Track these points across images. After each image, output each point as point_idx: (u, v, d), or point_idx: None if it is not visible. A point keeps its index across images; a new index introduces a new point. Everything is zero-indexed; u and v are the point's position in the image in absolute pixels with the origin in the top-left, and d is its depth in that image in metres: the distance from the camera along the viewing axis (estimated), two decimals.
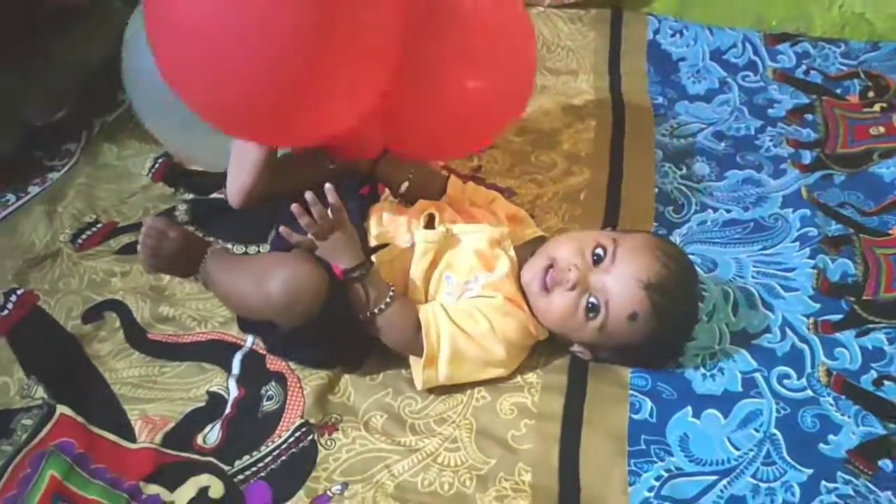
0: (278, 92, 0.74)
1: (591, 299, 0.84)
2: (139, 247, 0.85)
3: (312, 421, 0.83)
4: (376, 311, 0.83)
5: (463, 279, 0.88)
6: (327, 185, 0.82)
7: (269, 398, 0.86)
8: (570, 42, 1.47)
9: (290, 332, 0.81)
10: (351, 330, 0.85)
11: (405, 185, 0.99)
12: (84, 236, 1.06)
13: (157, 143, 1.21)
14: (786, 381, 0.89)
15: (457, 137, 0.98)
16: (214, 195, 1.11)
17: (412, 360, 0.86)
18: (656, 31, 1.48)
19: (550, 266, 0.86)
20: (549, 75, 1.41)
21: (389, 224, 0.92)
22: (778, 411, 0.85)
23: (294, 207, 0.81)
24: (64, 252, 1.03)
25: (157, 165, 1.17)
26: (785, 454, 0.81)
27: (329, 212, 0.83)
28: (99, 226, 1.08)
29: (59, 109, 1.26)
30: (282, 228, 0.83)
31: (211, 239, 1.02)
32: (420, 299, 0.88)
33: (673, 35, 1.47)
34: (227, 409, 0.84)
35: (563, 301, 0.85)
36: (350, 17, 0.73)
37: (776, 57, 1.42)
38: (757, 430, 0.84)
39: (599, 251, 0.85)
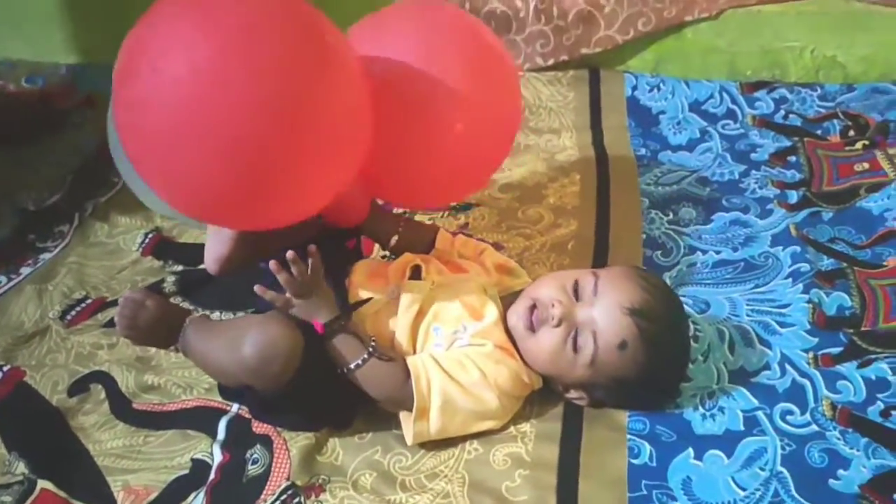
0: (246, 186, 0.74)
1: (579, 333, 0.82)
2: (116, 318, 0.85)
3: (299, 483, 0.80)
4: (360, 362, 0.82)
5: (451, 329, 0.87)
6: (311, 247, 0.82)
7: (255, 462, 0.83)
8: (552, 103, 1.50)
9: (269, 396, 0.80)
10: (335, 392, 0.84)
11: (395, 238, 0.99)
12: (73, 312, 1.06)
13: (148, 219, 1.23)
14: (789, 418, 0.86)
15: (439, 191, 0.99)
16: (203, 266, 1.11)
17: (402, 415, 0.84)
18: (634, 88, 1.51)
19: (534, 306, 0.85)
20: (533, 135, 1.43)
21: (373, 278, 0.92)
22: (783, 448, 0.82)
23: (272, 264, 0.80)
24: (53, 329, 1.03)
25: (146, 240, 1.18)
26: (794, 492, 0.78)
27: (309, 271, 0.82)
28: (88, 301, 1.08)
29: (53, 195, 1.29)
30: (256, 287, 0.82)
31: (193, 307, 1.02)
32: (408, 353, 0.87)
33: (651, 90, 1.51)
34: (212, 476, 0.82)
35: (551, 339, 0.83)
36: (316, 118, 0.73)
37: (754, 104, 1.45)
38: (762, 469, 0.80)
39: (581, 286, 0.84)
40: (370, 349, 0.82)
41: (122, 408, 0.91)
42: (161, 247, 1.17)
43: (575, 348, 0.82)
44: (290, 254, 0.81)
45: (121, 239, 1.20)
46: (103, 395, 0.93)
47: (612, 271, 0.88)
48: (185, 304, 1.05)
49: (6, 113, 1.46)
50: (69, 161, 1.38)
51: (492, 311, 0.88)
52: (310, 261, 0.82)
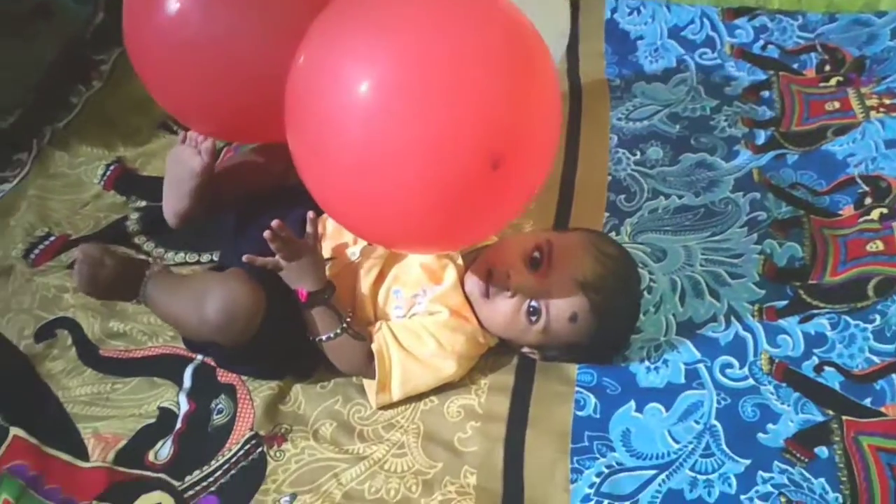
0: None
1: (532, 303, 0.85)
2: (75, 275, 0.86)
3: (262, 433, 0.85)
4: (332, 335, 0.84)
5: (411, 293, 0.89)
6: (310, 214, 0.83)
7: (220, 412, 0.87)
8: None
9: (233, 351, 0.83)
10: (299, 342, 0.86)
11: None
12: (37, 251, 1.06)
13: (109, 148, 1.21)
14: (728, 371, 0.89)
15: None
16: None
17: (365, 382, 0.88)
18: (614, 10, 1.46)
19: (490, 273, 0.87)
20: None
21: (335, 237, 0.93)
22: (718, 402, 0.86)
23: (267, 234, 0.80)
24: (17, 269, 1.04)
25: (108, 172, 1.16)
26: (724, 445, 0.82)
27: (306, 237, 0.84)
28: (52, 239, 1.08)
29: (10, 114, 1.25)
30: (245, 257, 0.83)
31: (156, 247, 1.01)
32: (368, 314, 0.89)
33: (630, 13, 1.45)
34: (178, 425, 0.86)
35: (505, 307, 0.86)
36: None
37: (734, 32, 1.41)
38: (697, 423, 0.85)
39: (536, 254, 0.86)
40: (344, 324, 0.84)
41: (89, 354, 0.94)
42: (124, 180, 1.15)
43: (528, 318, 0.85)
44: (276, 223, 0.80)
45: (82, 170, 1.18)
46: (70, 341, 0.95)
47: (569, 239, 0.89)
48: (149, 245, 1.06)
49: None
50: (26, 77, 1.32)
51: (451, 275, 0.90)
52: (308, 230, 0.83)
